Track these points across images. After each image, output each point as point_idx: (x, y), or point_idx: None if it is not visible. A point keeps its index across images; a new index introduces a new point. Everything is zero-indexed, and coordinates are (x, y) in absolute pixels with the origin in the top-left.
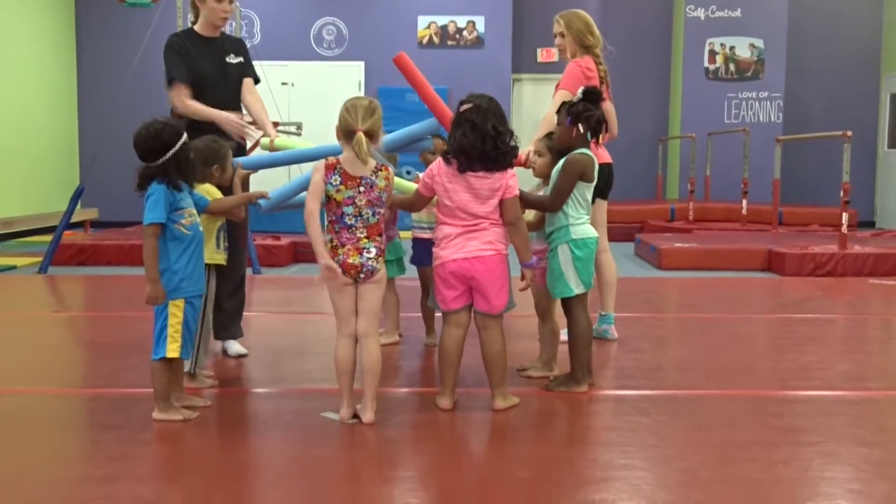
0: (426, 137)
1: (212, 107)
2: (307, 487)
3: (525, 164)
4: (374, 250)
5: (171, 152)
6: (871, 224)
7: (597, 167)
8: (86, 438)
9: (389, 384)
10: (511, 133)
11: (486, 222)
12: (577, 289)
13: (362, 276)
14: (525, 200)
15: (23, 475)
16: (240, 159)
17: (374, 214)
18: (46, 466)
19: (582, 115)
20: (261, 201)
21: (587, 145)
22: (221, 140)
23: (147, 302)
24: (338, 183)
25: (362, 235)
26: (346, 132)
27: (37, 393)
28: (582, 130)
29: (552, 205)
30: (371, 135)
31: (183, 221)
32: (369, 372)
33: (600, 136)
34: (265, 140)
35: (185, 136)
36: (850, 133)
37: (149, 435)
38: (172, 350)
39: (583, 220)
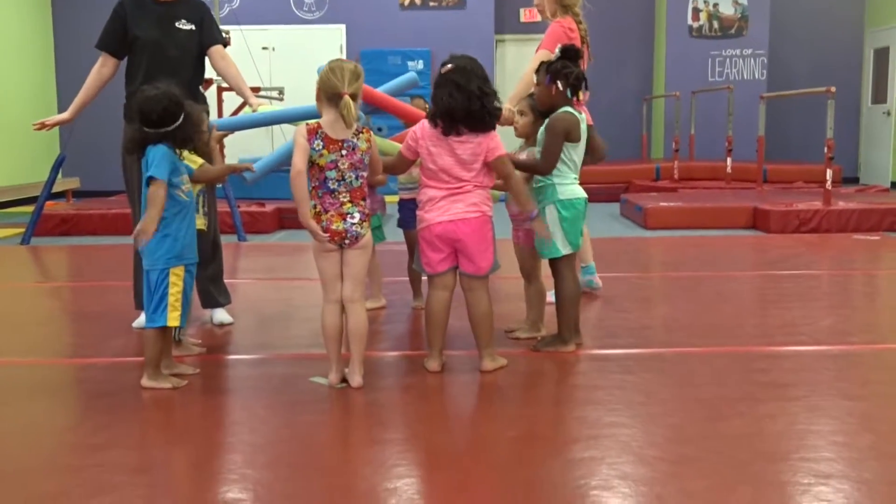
0: (406, 93)
1: (156, 76)
2: (297, 452)
3: (501, 122)
4: (357, 215)
5: (177, 123)
6: (855, 180)
7: (584, 126)
8: (75, 407)
9: (377, 348)
10: (495, 93)
11: (471, 185)
12: (564, 249)
13: (347, 242)
14: (517, 166)
15: (12, 444)
16: (215, 121)
17: (357, 178)
18: (36, 435)
19: (560, 72)
20: (245, 174)
21: (569, 103)
22: (195, 104)
23: (134, 236)
24: (320, 147)
25: (345, 200)
26: (330, 95)
27: (23, 364)
28: (561, 88)
29: (544, 167)
30: (355, 98)
31: (183, 187)
32: (356, 337)
33: (580, 94)
34: (248, 110)
35: (186, 104)
36: (833, 89)
37: (138, 403)
38: (173, 318)
39: (569, 181)
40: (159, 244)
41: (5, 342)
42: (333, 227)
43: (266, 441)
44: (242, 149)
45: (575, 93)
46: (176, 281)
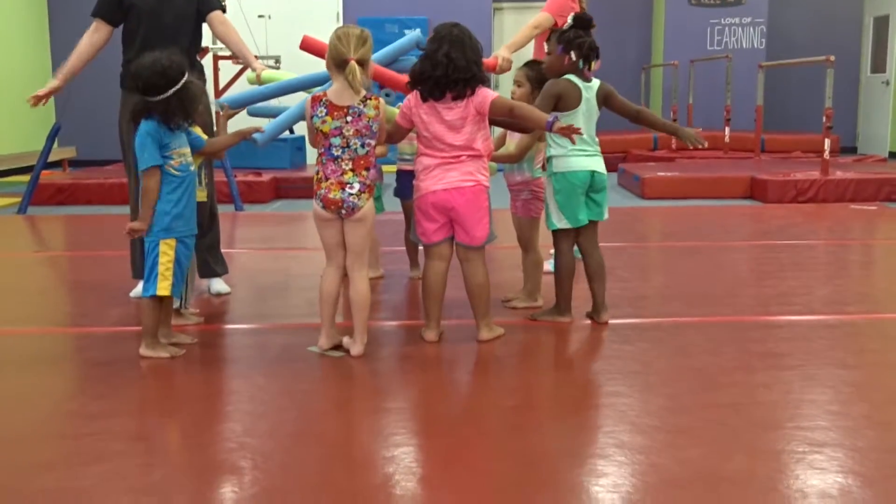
0: (410, 54)
1: (153, 44)
2: (295, 420)
3: (495, 69)
4: (357, 185)
5: (174, 89)
6: (853, 150)
7: (587, 96)
8: (73, 376)
9: (375, 318)
10: (474, 61)
11: (465, 155)
12: (558, 223)
13: (343, 211)
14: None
15: (10, 412)
16: (224, 99)
17: (362, 145)
18: (34, 403)
19: (573, 42)
20: (256, 135)
21: (579, 73)
22: (195, 81)
23: (126, 232)
24: (323, 114)
25: (347, 168)
26: (338, 62)
27: (21, 333)
28: (574, 58)
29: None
30: (362, 64)
31: (172, 162)
32: (357, 306)
33: (592, 64)
34: (251, 74)
35: (187, 74)
36: (832, 58)
37: (136, 372)
38: (163, 288)
39: (565, 152)
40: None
41: (3, 311)
42: (331, 195)
43: (265, 410)
44: (246, 120)
45: (587, 63)
46: (166, 251)
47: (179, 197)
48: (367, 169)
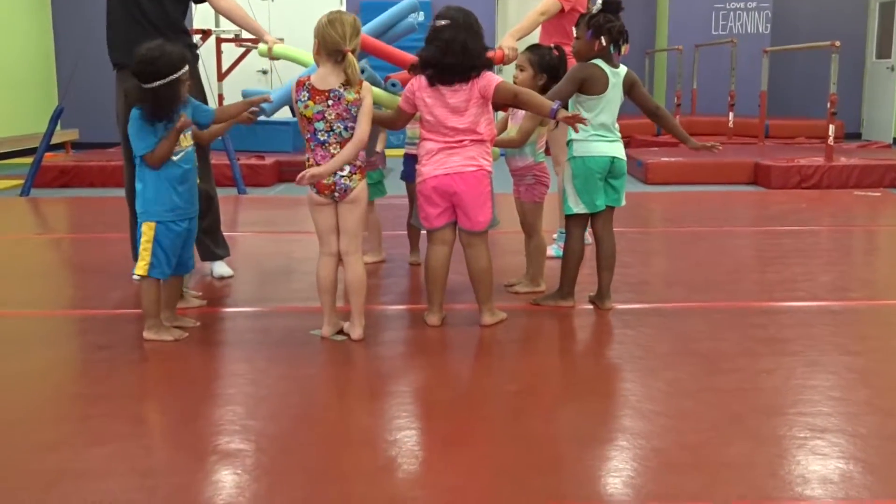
0: (405, 20)
1: (152, 26)
2: (297, 403)
3: (503, 61)
4: (347, 168)
5: (168, 79)
6: (857, 136)
7: (615, 81)
8: (75, 358)
9: (378, 301)
10: (483, 47)
11: (468, 139)
12: (575, 207)
13: (336, 195)
14: (524, 100)
15: (14, 393)
16: (265, 105)
17: (346, 129)
18: (38, 386)
19: (604, 26)
20: (264, 105)
21: (608, 58)
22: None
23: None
24: (305, 99)
25: (335, 152)
26: (329, 50)
27: (24, 315)
28: (605, 43)
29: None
30: (355, 53)
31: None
32: (353, 290)
33: (622, 48)
34: (263, 47)
35: (185, 68)
36: (838, 43)
37: (139, 354)
38: (140, 268)
39: (586, 136)
40: (136, 195)
41: (5, 293)
42: (323, 180)
43: (267, 393)
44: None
45: (618, 48)
46: (146, 231)
47: (162, 182)
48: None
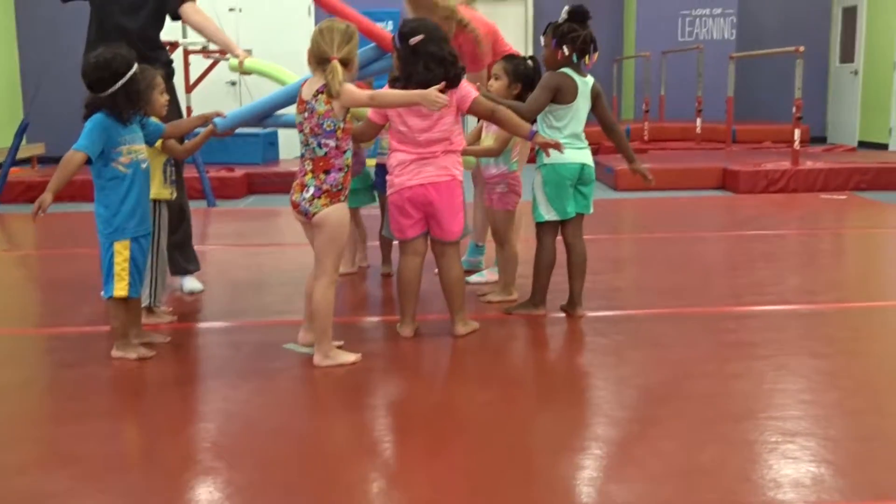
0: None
1: (117, 37)
2: (270, 418)
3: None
4: (312, 189)
5: (121, 83)
6: (822, 139)
7: (584, 90)
8: (43, 377)
9: (350, 314)
10: (457, 55)
11: (440, 150)
12: (547, 215)
13: (303, 215)
14: (499, 102)
15: None
16: (217, 120)
17: (319, 146)
18: (5, 406)
19: (567, 35)
20: (216, 120)
21: (575, 67)
22: (148, 68)
23: (35, 207)
24: (295, 106)
25: (308, 168)
26: (318, 58)
27: None
28: (567, 52)
29: (525, 113)
30: (346, 63)
31: (121, 159)
32: (315, 313)
33: (588, 58)
34: (233, 61)
35: (135, 65)
36: (802, 49)
37: (108, 372)
38: (120, 289)
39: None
40: (98, 217)
41: None
42: (293, 196)
43: (239, 408)
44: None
45: (581, 57)
46: (121, 250)
47: (127, 195)
48: (327, 172)
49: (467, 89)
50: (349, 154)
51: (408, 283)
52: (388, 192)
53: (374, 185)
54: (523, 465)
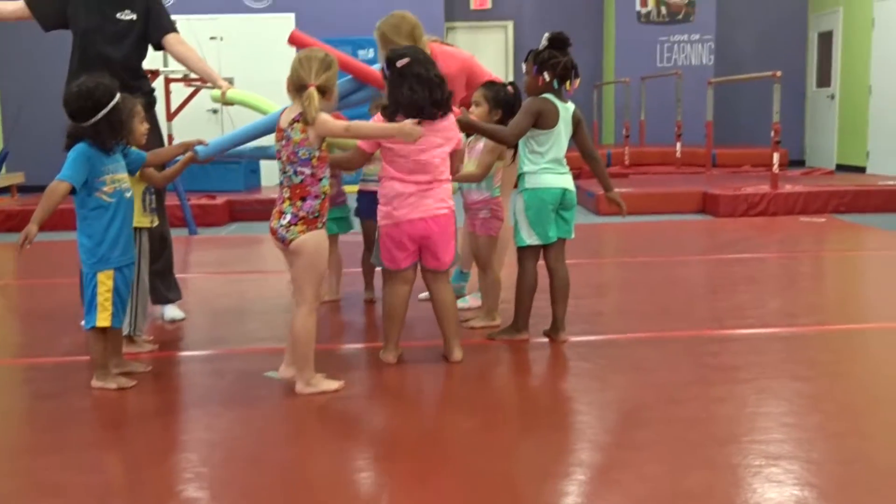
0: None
1: (100, 65)
2: (253, 447)
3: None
4: (288, 216)
5: (104, 112)
6: (801, 163)
7: (566, 116)
8: (21, 409)
9: (331, 341)
10: (444, 78)
11: (436, 180)
12: (528, 239)
13: (279, 241)
14: (480, 128)
15: None
16: (199, 148)
17: (295, 173)
18: None
19: (547, 62)
20: (198, 148)
21: (556, 93)
22: (129, 97)
23: (20, 238)
24: (274, 134)
25: (286, 196)
26: (297, 86)
27: None
28: (548, 78)
29: (507, 135)
30: (324, 91)
31: (105, 189)
32: (295, 342)
33: (569, 83)
34: (216, 92)
35: (118, 95)
36: (779, 74)
37: (87, 403)
38: (103, 319)
39: (538, 169)
40: (81, 247)
41: None
42: (272, 223)
43: (221, 438)
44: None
45: (562, 83)
46: (104, 281)
47: (110, 224)
48: (304, 199)
49: (454, 123)
50: (325, 181)
51: (395, 308)
52: (383, 222)
53: (358, 211)
54: (508, 492)
